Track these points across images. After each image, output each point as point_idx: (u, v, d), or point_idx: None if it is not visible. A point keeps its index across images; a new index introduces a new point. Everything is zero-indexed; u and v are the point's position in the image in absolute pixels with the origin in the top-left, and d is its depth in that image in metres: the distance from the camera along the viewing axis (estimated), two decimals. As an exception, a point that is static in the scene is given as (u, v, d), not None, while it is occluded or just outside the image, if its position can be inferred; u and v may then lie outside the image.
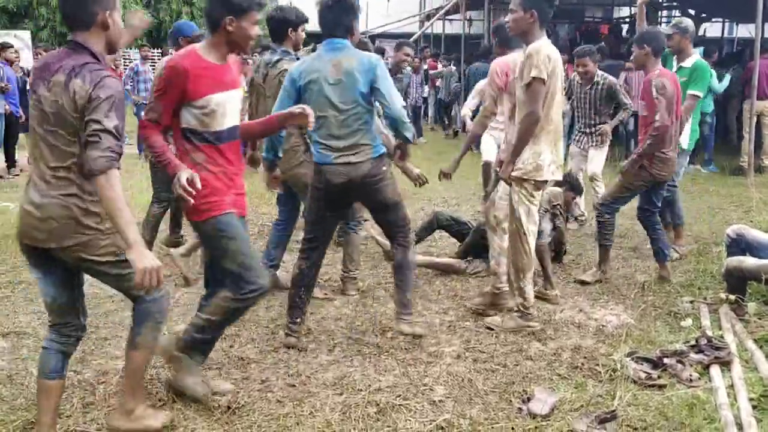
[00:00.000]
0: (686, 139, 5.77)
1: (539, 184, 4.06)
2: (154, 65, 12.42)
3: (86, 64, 2.56)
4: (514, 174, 4.02)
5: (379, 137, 3.79)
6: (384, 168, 3.75)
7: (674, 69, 5.64)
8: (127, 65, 14.32)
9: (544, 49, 3.88)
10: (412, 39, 14.31)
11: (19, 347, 3.85)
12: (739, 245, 4.64)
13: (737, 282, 4.41)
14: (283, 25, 4.45)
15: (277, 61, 4.43)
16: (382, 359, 3.74)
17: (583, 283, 5.05)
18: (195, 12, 21.51)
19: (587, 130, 6.49)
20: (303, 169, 4.36)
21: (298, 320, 3.90)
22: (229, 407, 3.16)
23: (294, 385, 3.42)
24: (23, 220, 2.63)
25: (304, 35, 4.55)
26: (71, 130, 2.55)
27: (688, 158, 6.26)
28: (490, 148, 5.87)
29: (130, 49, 20.36)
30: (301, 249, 3.93)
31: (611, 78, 6.36)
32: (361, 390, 3.37)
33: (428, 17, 18.51)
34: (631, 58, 5.13)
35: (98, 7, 2.61)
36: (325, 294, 4.72)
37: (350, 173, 3.67)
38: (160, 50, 17.76)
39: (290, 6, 4.63)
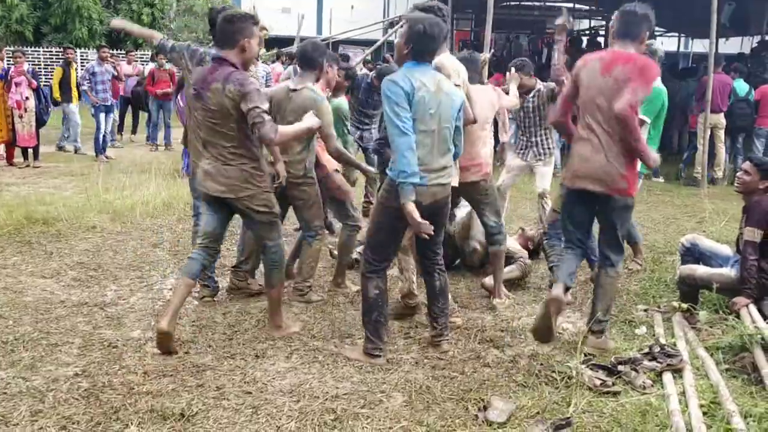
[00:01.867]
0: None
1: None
2: (114, 66, 12.21)
3: (231, 72, 3.72)
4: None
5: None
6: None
7: None
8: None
9: (447, 62, 4.14)
10: (375, 46, 14.34)
11: None
12: (692, 254, 4.76)
13: (690, 290, 4.51)
14: None
15: None
16: (340, 366, 3.72)
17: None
18: (156, 13, 21.22)
19: (533, 141, 6.06)
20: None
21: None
22: (182, 414, 3.11)
23: (250, 392, 3.38)
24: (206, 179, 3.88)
25: None
26: (233, 121, 3.74)
27: (642, 177, 6.27)
28: None
29: (89, 49, 20.01)
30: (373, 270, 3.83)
31: (550, 83, 6.04)
32: (318, 397, 3.34)
33: (392, 24, 18.57)
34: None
35: (240, 35, 3.78)
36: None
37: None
38: (123, 51, 17.47)
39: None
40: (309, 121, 3.94)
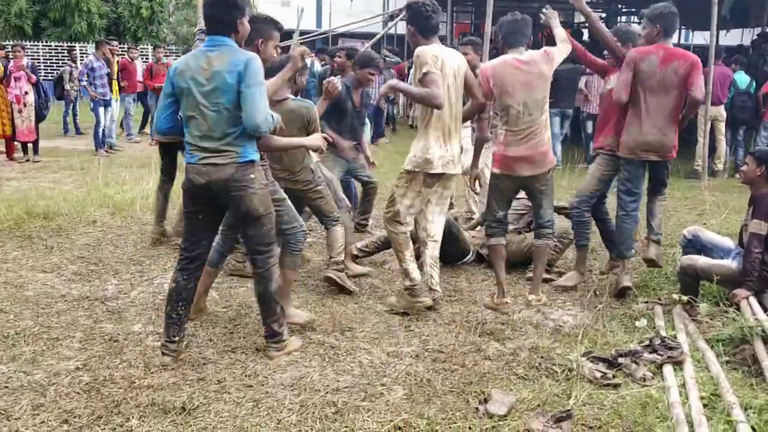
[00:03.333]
0: None
1: (430, 177, 4.33)
2: (118, 60, 12.22)
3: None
4: (406, 167, 4.36)
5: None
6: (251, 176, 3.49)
7: None
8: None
9: (429, 50, 4.21)
10: (374, 39, 14.29)
11: None
12: (694, 246, 4.76)
13: (690, 281, 4.52)
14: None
15: None
16: (341, 359, 3.73)
17: (564, 288, 5.03)
18: (155, 7, 21.14)
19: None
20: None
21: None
22: (183, 408, 3.11)
23: (251, 386, 3.39)
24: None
25: None
26: None
27: None
28: None
29: (88, 43, 19.94)
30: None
31: None
32: (319, 390, 3.35)
33: (392, 17, 18.54)
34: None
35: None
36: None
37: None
38: (123, 46, 17.43)
39: None
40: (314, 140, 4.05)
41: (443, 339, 4.06)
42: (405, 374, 3.56)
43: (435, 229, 4.61)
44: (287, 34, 6.32)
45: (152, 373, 3.48)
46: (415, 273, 4.43)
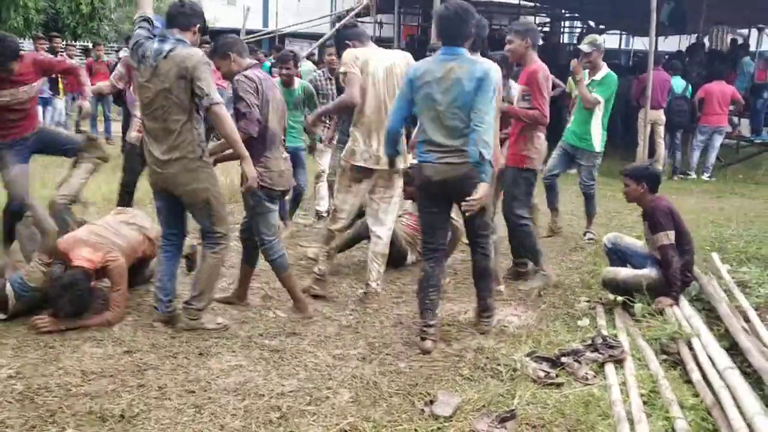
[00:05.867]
0: (598, 141, 6.39)
1: (354, 169, 4.55)
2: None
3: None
4: (342, 156, 4.66)
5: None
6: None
7: (586, 82, 6.37)
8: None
9: (352, 52, 4.49)
10: (321, 40, 14.24)
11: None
12: (615, 252, 4.87)
13: (616, 292, 4.59)
14: (191, 18, 3.99)
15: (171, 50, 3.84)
16: (286, 364, 3.68)
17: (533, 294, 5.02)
18: (95, 3, 20.56)
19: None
20: (202, 183, 4.00)
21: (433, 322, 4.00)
22: (122, 416, 3.02)
23: (193, 392, 3.31)
24: None
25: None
26: None
27: (600, 159, 6.61)
28: None
29: (25, 39, 19.30)
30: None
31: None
32: (264, 395, 3.29)
33: (339, 18, 18.49)
34: (507, 48, 5.01)
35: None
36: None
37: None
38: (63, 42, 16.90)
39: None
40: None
41: (390, 340, 4.05)
42: (351, 377, 3.53)
43: (379, 227, 4.66)
44: (234, 33, 6.29)
45: (90, 380, 3.37)
46: (322, 264, 4.71)
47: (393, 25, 17.43)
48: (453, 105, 3.74)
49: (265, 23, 24.24)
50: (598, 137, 6.39)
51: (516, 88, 5.16)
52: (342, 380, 3.50)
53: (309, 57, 13.62)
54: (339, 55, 4.75)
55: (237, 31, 14.02)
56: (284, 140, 4.64)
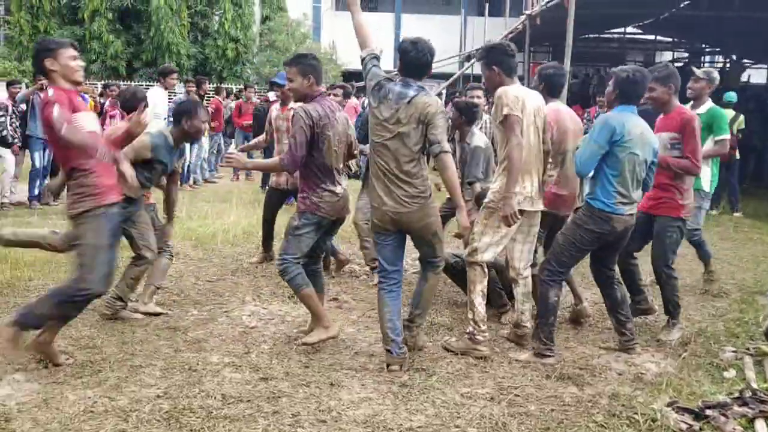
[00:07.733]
0: (707, 182, 5.87)
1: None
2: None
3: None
4: (487, 203, 4.41)
5: None
6: None
7: None
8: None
9: (511, 91, 4.27)
10: (451, 80, 14.41)
11: (55, 372, 3.88)
12: None
13: None
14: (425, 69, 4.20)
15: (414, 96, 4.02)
16: (414, 398, 3.69)
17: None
18: (239, 48, 21.98)
19: None
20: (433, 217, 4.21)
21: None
22: (259, 441, 3.14)
23: (325, 421, 3.39)
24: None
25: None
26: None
27: (709, 202, 6.17)
28: None
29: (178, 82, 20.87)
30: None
31: None
32: (393, 429, 3.32)
33: (468, 58, 18.67)
34: (647, 97, 4.75)
35: None
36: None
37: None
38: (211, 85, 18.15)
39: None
40: None
41: (519, 381, 3.97)
42: (479, 417, 3.49)
43: (522, 266, 4.54)
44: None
45: (229, 404, 3.53)
46: (480, 308, 4.33)
47: (522, 62, 17.35)
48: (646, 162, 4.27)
49: (395, 64, 24.83)
50: (707, 177, 5.82)
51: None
52: (470, 419, 3.46)
53: (437, 95, 13.80)
54: (487, 80, 4.45)
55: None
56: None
